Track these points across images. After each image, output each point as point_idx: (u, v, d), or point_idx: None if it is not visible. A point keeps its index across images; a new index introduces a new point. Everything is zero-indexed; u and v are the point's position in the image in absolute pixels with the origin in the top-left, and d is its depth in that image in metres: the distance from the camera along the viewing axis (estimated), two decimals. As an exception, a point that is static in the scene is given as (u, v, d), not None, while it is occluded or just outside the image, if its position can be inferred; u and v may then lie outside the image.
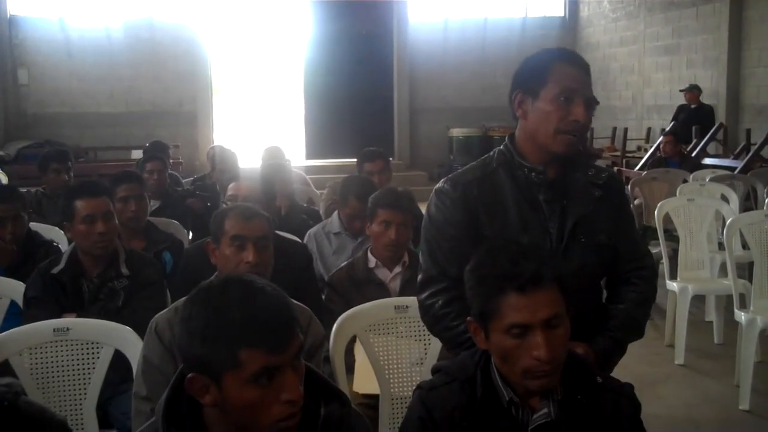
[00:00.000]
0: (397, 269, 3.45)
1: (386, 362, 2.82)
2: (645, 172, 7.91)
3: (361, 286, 3.39)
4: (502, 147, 2.35)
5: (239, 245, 2.59)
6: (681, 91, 11.39)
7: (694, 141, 10.07)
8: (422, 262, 2.36)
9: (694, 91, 11.09)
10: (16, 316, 3.29)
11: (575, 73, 2.24)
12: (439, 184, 2.35)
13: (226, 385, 1.49)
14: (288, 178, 5.25)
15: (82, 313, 3.06)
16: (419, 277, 2.37)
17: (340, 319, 2.83)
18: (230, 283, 1.55)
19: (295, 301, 2.50)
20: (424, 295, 2.33)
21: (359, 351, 2.95)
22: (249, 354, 1.46)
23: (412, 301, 2.74)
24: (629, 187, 7.22)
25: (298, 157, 13.67)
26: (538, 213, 2.26)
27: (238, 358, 1.46)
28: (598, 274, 2.39)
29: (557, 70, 2.23)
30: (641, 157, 10.33)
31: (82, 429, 2.71)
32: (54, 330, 2.71)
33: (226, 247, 2.61)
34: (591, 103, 2.25)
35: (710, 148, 10.67)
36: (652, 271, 2.45)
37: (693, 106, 11.15)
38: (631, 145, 12.50)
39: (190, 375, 1.52)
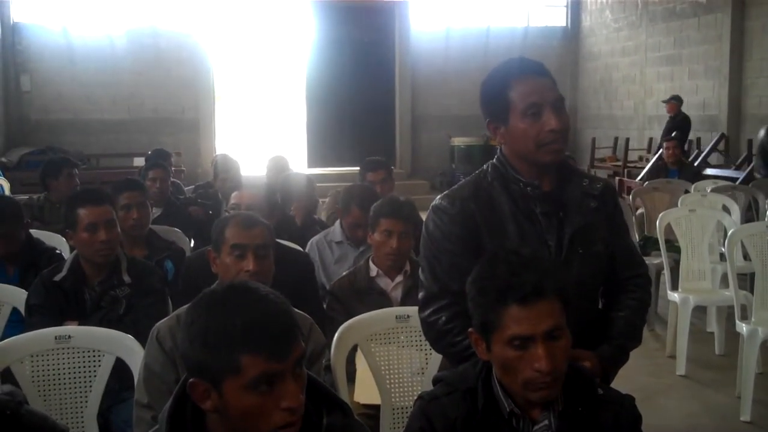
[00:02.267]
0: (399, 278, 3.45)
1: (387, 372, 2.82)
2: (646, 183, 7.91)
3: (362, 295, 3.39)
4: (495, 161, 2.36)
5: (239, 254, 2.60)
6: (663, 102, 11.61)
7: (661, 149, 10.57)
8: (423, 279, 2.35)
9: (673, 101, 11.39)
10: (18, 323, 3.29)
11: (533, 84, 2.22)
12: (436, 201, 2.35)
13: (226, 391, 1.49)
14: (305, 188, 5.20)
15: (83, 321, 3.06)
16: (420, 294, 2.36)
17: (341, 328, 2.83)
18: (233, 290, 1.56)
19: (296, 309, 2.50)
20: (426, 313, 2.32)
21: (360, 360, 2.95)
22: (249, 360, 1.47)
23: (413, 310, 2.73)
24: (631, 197, 7.22)
25: (300, 166, 13.69)
26: (536, 226, 2.26)
27: (238, 364, 1.47)
28: (597, 284, 2.40)
29: (514, 89, 2.22)
30: (643, 167, 10.35)
31: (83, 437, 2.71)
32: (56, 338, 2.71)
33: (226, 255, 2.61)
34: (558, 104, 2.23)
35: (712, 159, 10.69)
36: (647, 279, 2.48)
37: (672, 116, 11.42)
38: (633, 155, 12.52)
39: (191, 380, 1.52)
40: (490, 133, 2.32)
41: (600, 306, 2.46)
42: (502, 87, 2.24)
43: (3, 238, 3.70)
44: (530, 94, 2.20)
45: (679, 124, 11.16)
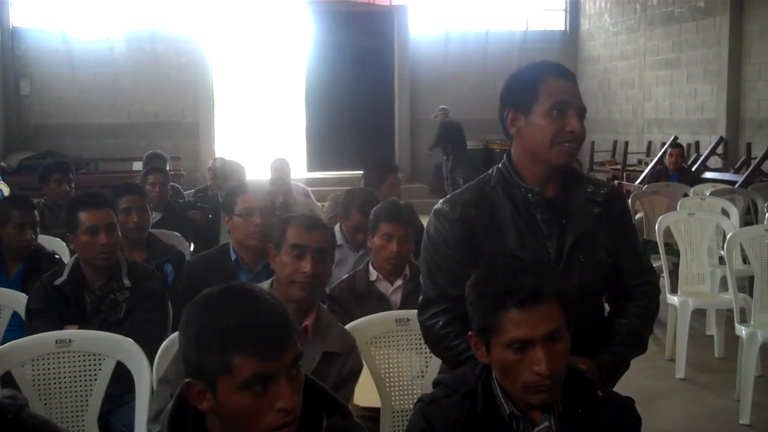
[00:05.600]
0: (399, 282, 3.46)
1: (387, 375, 2.83)
2: (645, 186, 7.92)
3: (362, 298, 3.39)
4: (500, 165, 2.35)
5: (298, 254, 2.58)
6: (434, 116, 13.70)
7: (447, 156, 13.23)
8: (422, 283, 2.36)
9: (440, 112, 13.66)
10: (19, 327, 3.29)
11: (565, 86, 2.24)
12: (438, 205, 2.35)
13: (220, 392, 1.49)
14: (290, 193, 5.20)
15: (84, 325, 3.06)
16: (419, 299, 2.37)
17: (341, 331, 2.83)
18: (229, 290, 1.56)
19: (342, 326, 2.56)
20: (425, 316, 2.33)
21: (360, 364, 2.95)
22: (241, 360, 1.47)
23: (413, 313, 2.73)
24: (630, 200, 7.23)
25: (299, 169, 13.69)
26: (536, 233, 2.25)
27: (231, 364, 1.47)
28: (598, 291, 2.38)
29: (547, 84, 2.23)
30: (642, 171, 10.36)
31: (84, 440, 2.72)
32: (56, 341, 2.71)
33: (285, 254, 2.60)
34: (583, 113, 2.26)
35: (710, 162, 10.70)
36: (655, 287, 2.44)
37: (444, 122, 13.49)
38: (632, 159, 12.53)
39: (187, 380, 1.53)
40: (506, 124, 2.30)
41: (605, 313, 2.45)
42: (534, 80, 2.25)
43: (27, 225, 3.80)
44: (560, 93, 2.22)
45: (447, 128, 13.43)
